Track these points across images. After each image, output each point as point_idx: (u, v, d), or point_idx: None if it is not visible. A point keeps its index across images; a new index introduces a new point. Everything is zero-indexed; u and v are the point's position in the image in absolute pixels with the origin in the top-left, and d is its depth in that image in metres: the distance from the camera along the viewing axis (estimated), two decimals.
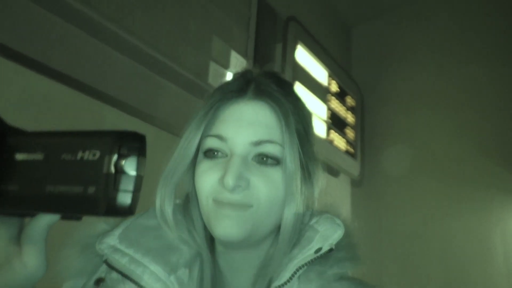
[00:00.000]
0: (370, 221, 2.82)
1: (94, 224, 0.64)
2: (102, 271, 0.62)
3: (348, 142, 2.92)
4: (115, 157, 0.40)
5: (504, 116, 2.52)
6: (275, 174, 0.60)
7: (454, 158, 2.63)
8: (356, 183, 3.05)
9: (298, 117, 0.63)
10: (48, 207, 0.43)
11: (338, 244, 0.60)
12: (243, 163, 0.58)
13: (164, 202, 0.62)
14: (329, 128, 2.70)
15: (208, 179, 0.60)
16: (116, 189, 0.39)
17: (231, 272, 0.66)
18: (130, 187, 0.40)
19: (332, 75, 2.83)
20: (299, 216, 0.61)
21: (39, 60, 1.30)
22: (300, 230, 0.62)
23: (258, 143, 0.59)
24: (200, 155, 0.63)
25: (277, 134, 0.61)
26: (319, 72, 2.69)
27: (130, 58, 1.60)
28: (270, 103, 0.62)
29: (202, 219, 0.64)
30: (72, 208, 0.41)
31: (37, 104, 1.31)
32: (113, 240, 0.60)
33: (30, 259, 0.46)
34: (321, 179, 0.67)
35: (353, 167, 2.94)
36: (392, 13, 3.18)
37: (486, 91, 2.62)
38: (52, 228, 0.48)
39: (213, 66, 1.91)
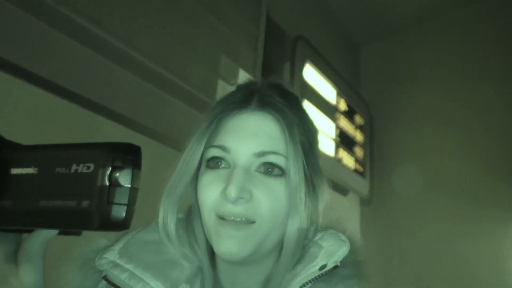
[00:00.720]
0: (380, 241, 2.77)
1: (94, 239, 0.63)
2: (102, 287, 0.60)
3: (357, 160, 2.90)
4: (109, 169, 0.39)
5: None
6: (278, 186, 0.58)
7: (465, 177, 2.59)
8: (365, 202, 3.02)
9: (303, 129, 0.62)
10: (42, 223, 0.42)
11: (343, 261, 0.58)
12: (246, 175, 0.57)
13: (167, 215, 0.61)
14: (337, 147, 2.69)
15: (210, 193, 0.58)
16: (110, 202, 0.38)
17: None
18: (125, 200, 0.39)
19: (340, 94, 2.83)
20: (302, 231, 0.60)
21: (48, 78, 1.32)
22: (304, 246, 0.61)
23: (261, 154, 0.58)
24: (203, 166, 0.62)
25: (281, 146, 0.59)
26: (327, 90, 2.69)
27: (138, 76, 1.62)
28: (274, 115, 0.61)
29: (204, 232, 0.63)
30: (66, 223, 0.40)
31: (45, 121, 1.32)
32: (113, 255, 0.59)
33: (27, 277, 0.44)
34: (326, 193, 0.65)
35: (362, 185, 2.91)
36: (401, 32, 3.19)
37: (495, 109, 2.60)
38: (52, 244, 0.47)
39: (221, 84, 1.92)
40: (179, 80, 1.72)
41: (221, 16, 2.00)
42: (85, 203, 0.39)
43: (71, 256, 0.61)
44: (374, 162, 3.09)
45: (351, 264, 0.60)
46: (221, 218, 0.57)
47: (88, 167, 0.39)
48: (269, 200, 0.57)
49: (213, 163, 0.60)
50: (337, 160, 2.65)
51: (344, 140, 2.77)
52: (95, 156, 0.40)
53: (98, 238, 0.63)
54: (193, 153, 0.60)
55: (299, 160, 0.59)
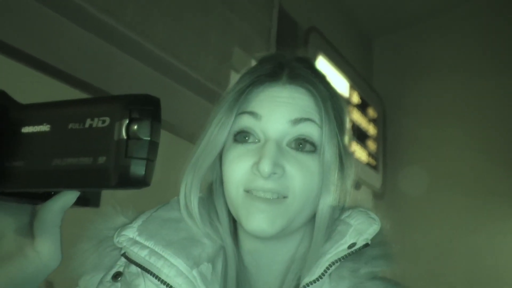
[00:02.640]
0: (393, 235, 2.74)
1: (112, 217, 0.60)
2: (120, 265, 0.58)
3: (370, 154, 2.87)
4: (126, 122, 0.35)
5: None
6: (311, 162, 0.55)
7: (478, 172, 2.55)
8: (378, 196, 2.99)
9: (336, 104, 0.59)
10: (56, 183, 0.39)
11: (372, 240, 0.55)
12: (278, 149, 0.54)
13: (191, 192, 0.58)
14: (350, 140, 2.66)
15: (239, 167, 0.55)
16: (128, 156, 0.35)
17: (257, 268, 0.62)
18: (144, 154, 0.36)
19: (353, 86, 2.80)
20: (334, 208, 0.57)
21: (60, 68, 1.33)
22: (331, 225, 0.58)
23: (296, 121, 0.55)
24: (229, 140, 0.58)
25: (316, 118, 0.56)
26: (340, 83, 2.67)
27: (151, 67, 1.61)
28: (307, 87, 0.57)
29: (226, 210, 0.61)
30: (82, 181, 0.37)
31: None
32: (132, 233, 0.56)
33: (44, 248, 0.42)
34: (354, 172, 0.62)
35: (375, 179, 2.89)
36: (415, 24, 3.14)
37: (510, 103, 2.55)
38: (68, 221, 0.45)
39: (234, 75, 1.92)
40: (192, 71, 1.72)
41: (234, 8, 1.99)
42: (101, 159, 0.36)
43: (88, 234, 0.59)
44: (387, 155, 3.06)
45: (379, 244, 0.57)
46: (250, 192, 0.54)
47: (104, 121, 0.36)
48: (302, 176, 0.55)
49: (241, 137, 0.57)
50: None
51: (356, 134, 2.75)
52: (110, 109, 0.37)
53: (115, 216, 0.61)
54: (221, 125, 0.57)
55: (334, 135, 0.56)
